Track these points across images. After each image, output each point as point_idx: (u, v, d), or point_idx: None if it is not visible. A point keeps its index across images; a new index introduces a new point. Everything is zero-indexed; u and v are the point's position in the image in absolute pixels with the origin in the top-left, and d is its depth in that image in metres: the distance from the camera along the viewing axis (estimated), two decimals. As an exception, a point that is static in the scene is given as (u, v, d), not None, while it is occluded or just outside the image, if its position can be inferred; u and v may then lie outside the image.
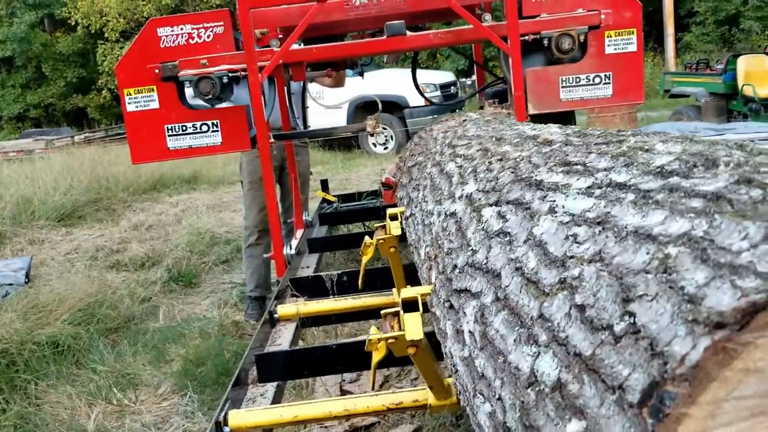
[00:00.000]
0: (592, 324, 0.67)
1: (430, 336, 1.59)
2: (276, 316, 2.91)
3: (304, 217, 4.62)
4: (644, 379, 0.56)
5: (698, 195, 0.70)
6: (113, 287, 5.10)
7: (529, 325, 0.81)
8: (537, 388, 0.73)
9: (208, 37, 3.22)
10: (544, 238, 0.90)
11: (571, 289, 0.75)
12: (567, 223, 0.88)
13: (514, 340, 0.83)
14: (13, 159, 13.89)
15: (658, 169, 0.83)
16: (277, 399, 2.26)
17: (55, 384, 3.65)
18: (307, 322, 3.08)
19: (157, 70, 3.22)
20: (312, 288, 3.27)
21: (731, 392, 0.52)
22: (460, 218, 1.33)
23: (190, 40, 3.22)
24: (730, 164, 0.73)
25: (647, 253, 0.67)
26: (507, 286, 0.93)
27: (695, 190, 0.71)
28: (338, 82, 4.65)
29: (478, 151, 1.63)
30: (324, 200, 5.32)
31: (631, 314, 0.62)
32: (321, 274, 3.42)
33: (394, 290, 2.83)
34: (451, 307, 1.17)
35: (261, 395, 2.33)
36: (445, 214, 1.46)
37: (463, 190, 1.42)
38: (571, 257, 0.80)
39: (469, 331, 1.01)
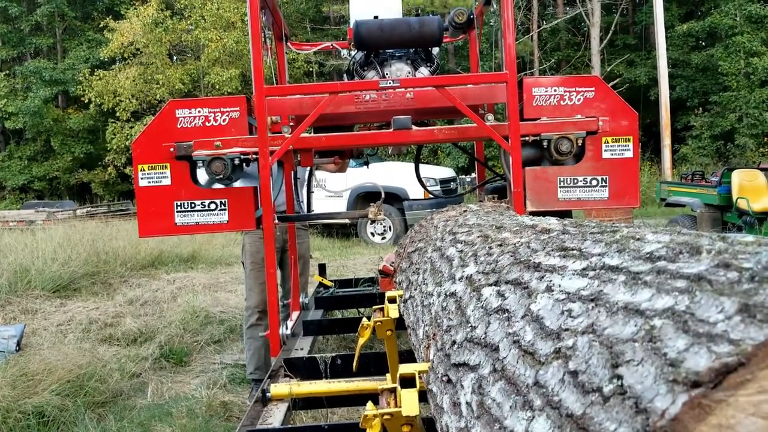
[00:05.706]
0: (584, 387, 0.73)
1: (424, 422, 1.62)
2: (268, 395, 2.91)
3: (301, 300, 4.65)
4: (629, 433, 0.61)
5: (682, 276, 0.77)
6: (104, 361, 5.08)
7: (525, 392, 0.86)
8: (530, 450, 0.78)
9: (224, 120, 3.37)
10: (541, 313, 0.97)
11: (565, 357, 0.81)
12: (563, 300, 0.94)
13: (510, 407, 0.88)
14: (14, 228, 13.98)
15: (648, 255, 0.90)
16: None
17: (37, 455, 3.60)
18: (299, 404, 3.07)
19: (172, 149, 3.34)
20: (305, 369, 3.28)
21: (706, 447, 0.57)
22: (460, 297, 1.39)
23: (206, 123, 3.36)
24: (711, 251, 0.80)
25: (635, 325, 0.73)
26: (504, 358, 0.98)
27: (680, 272, 0.79)
28: (341, 168, 4.80)
29: (478, 237, 1.71)
30: (321, 284, 5.37)
31: (619, 377, 0.68)
32: (315, 355, 3.43)
33: (388, 375, 2.84)
34: (449, 381, 1.21)
35: (249, 473, 2.32)
36: (445, 294, 1.53)
37: (463, 271, 1.49)
38: (566, 329, 0.86)
39: (467, 402, 1.05)
